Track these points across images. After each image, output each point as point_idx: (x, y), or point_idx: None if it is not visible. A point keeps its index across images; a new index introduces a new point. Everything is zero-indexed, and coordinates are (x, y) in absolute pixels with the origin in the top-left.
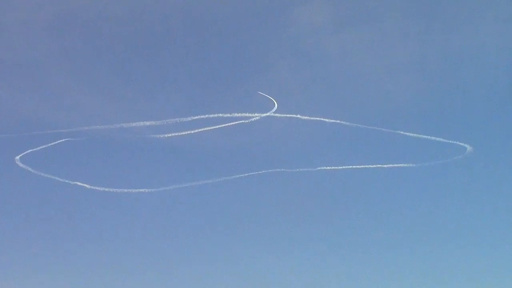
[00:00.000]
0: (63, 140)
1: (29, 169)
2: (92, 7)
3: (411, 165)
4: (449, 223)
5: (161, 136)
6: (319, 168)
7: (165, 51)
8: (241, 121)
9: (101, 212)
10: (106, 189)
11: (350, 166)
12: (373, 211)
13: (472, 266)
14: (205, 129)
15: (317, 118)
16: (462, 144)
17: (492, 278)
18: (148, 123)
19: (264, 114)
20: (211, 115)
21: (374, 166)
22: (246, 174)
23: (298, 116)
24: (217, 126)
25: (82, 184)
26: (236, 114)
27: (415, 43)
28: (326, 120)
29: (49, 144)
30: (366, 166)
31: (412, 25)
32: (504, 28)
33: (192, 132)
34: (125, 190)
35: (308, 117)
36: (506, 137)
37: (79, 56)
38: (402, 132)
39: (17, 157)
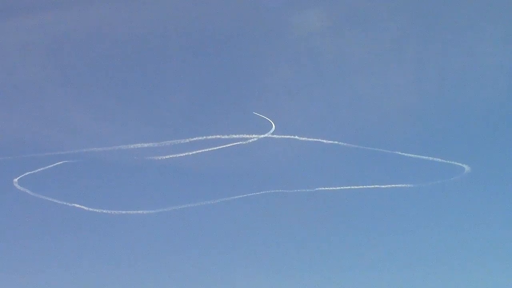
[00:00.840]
0: (62, 162)
1: (28, 191)
2: (90, 28)
3: (409, 185)
4: (447, 243)
5: (159, 157)
6: (317, 188)
7: (162, 72)
8: (239, 142)
9: (100, 234)
10: (104, 211)
11: (348, 187)
12: (371, 231)
13: (469, 286)
14: (203, 150)
15: (315, 139)
16: (460, 164)
17: None
18: (146, 144)
19: (262, 136)
20: (209, 137)
21: (372, 186)
22: (244, 195)
23: (296, 137)
24: (215, 148)
25: (80, 206)
26: (234, 136)
27: (413, 63)
28: (324, 141)
29: (47, 167)
30: (364, 186)
31: (409, 45)
32: (504, 48)
33: (190, 153)
34: (123, 212)
35: (306, 138)
36: (504, 158)
37: (77, 79)
38: (400, 153)
39: (15, 180)
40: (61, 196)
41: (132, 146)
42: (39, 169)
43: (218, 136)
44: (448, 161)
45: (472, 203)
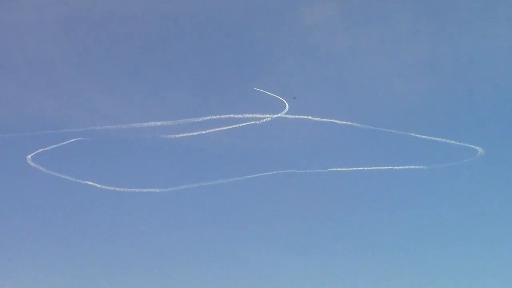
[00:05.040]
0: (74, 139)
1: (41, 168)
2: (104, 7)
3: (422, 167)
4: (459, 225)
5: (173, 136)
6: (329, 169)
7: (177, 52)
8: (252, 122)
9: (111, 211)
10: (117, 189)
11: (361, 168)
12: (383, 212)
13: (483, 267)
14: (217, 129)
15: (329, 120)
16: (473, 146)
17: (503, 278)
18: (159, 123)
19: (276, 115)
20: (223, 116)
21: (385, 167)
22: (257, 175)
23: (310, 117)
24: (229, 127)
25: (92, 184)
26: (248, 115)
27: (426, 45)
28: (338, 121)
29: (60, 144)
30: (377, 167)
31: (423, 27)
32: None
33: (204, 132)
34: (136, 190)
35: (319, 119)
36: None
37: (91, 57)
38: (413, 134)
39: (29, 156)
40: (74, 173)
41: (145, 124)
42: (52, 146)
43: (231, 115)
44: (461, 143)
45: (485, 185)
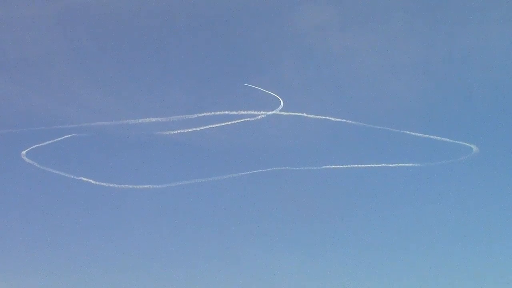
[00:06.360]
0: (69, 135)
1: (35, 164)
2: (99, 4)
3: (416, 165)
4: (454, 224)
5: (167, 132)
6: (324, 166)
7: (171, 48)
8: (247, 119)
9: (106, 208)
10: (112, 185)
11: (356, 165)
12: (377, 211)
13: (477, 267)
14: (211, 126)
15: (323, 117)
16: (468, 144)
17: (497, 278)
18: (154, 119)
19: (270, 112)
20: (217, 113)
21: (379, 165)
22: (251, 172)
23: (304, 114)
24: (223, 124)
25: (87, 180)
26: (242, 112)
27: (421, 42)
28: (332, 118)
29: (55, 140)
30: (371, 165)
31: (418, 24)
32: (510, 29)
33: (198, 129)
34: (130, 186)
35: (314, 116)
36: None
37: (85, 53)
38: (408, 132)
39: (23, 152)
40: (69, 169)
41: (140, 121)
42: (47, 142)
43: (226, 112)
44: (456, 141)
45: (479, 183)
